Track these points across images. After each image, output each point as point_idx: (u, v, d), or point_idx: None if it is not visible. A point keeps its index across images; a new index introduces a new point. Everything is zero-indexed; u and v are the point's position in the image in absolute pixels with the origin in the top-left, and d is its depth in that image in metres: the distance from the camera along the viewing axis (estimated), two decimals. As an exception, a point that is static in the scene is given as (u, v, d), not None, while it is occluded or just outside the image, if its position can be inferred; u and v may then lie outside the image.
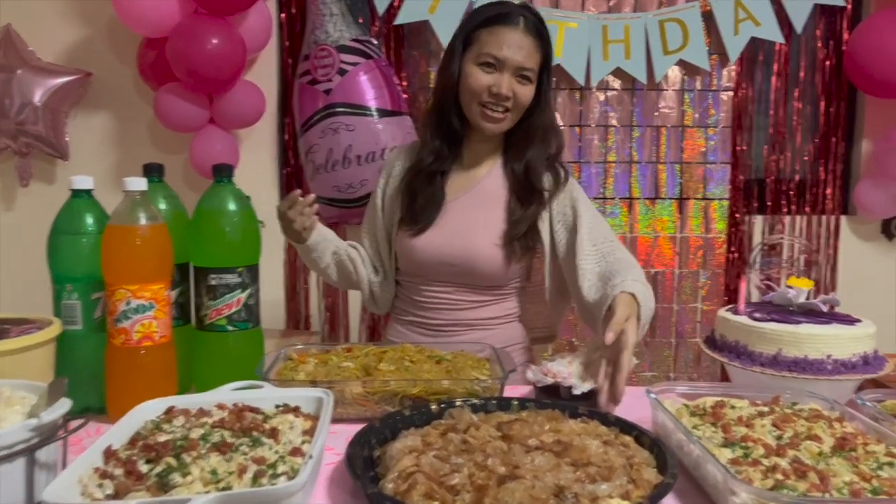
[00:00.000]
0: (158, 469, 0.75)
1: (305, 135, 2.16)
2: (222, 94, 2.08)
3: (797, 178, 2.43)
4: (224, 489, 0.71)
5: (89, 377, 1.08)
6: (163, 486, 0.73)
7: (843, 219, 2.44)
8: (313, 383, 1.05)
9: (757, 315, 1.16)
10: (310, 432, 0.85)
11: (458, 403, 0.99)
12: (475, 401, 1.00)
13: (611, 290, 1.17)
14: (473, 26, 1.40)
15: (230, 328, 1.13)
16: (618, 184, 2.39)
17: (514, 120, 1.41)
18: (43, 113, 2.17)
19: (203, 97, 2.10)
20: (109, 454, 0.80)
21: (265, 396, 0.97)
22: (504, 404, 1.00)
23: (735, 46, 2.31)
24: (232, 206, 1.13)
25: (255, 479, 0.73)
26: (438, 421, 0.95)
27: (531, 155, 1.43)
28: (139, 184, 1.05)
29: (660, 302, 2.41)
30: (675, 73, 2.36)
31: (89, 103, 2.31)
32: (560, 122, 2.36)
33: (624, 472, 0.78)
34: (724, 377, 2.39)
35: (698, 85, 2.37)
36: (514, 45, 1.36)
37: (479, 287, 1.46)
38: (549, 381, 1.05)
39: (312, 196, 1.36)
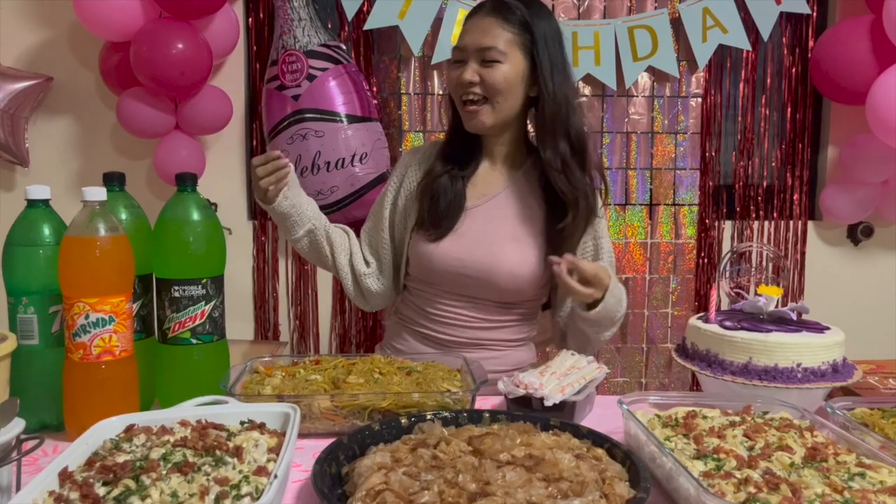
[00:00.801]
0: (116, 492, 0.72)
1: (274, 141, 2.13)
2: (188, 100, 2.04)
3: (765, 183, 2.46)
4: (186, 512, 0.69)
5: (46, 394, 1.04)
6: (119, 510, 0.70)
7: (811, 224, 2.47)
8: (280, 398, 1.02)
9: (728, 324, 1.16)
10: (275, 450, 0.83)
11: (428, 417, 0.98)
12: (446, 414, 0.99)
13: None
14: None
15: (194, 341, 1.10)
16: (589, 190, 2.38)
17: (497, 111, 1.32)
18: (2, 118, 2.11)
19: (168, 102, 2.06)
20: (65, 476, 0.77)
21: (230, 412, 0.94)
22: (475, 417, 0.99)
23: (703, 53, 2.33)
24: (196, 216, 1.10)
25: (218, 500, 0.71)
26: (409, 436, 0.93)
27: (564, 149, 1.33)
28: (98, 193, 1.02)
29: (631, 307, 2.42)
30: (644, 79, 2.37)
31: (49, 108, 2.25)
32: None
33: (596, 487, 0.77)
34: (696, 383, 2.41)
35: (668, 91, 2.38)
36: (474, 29, 1.32)
37: (496, 305, 1.40)
38: (521, 392, 1.04)
39: (285, 160, 1.33)
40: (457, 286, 1.39)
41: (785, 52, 2.42)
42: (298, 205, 1.39)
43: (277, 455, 0.82)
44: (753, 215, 2.45)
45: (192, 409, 0.96)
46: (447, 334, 1.42)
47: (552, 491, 0.76)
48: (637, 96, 2.38)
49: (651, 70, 2.35)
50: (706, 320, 1.22)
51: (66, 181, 2.28)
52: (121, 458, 0.80)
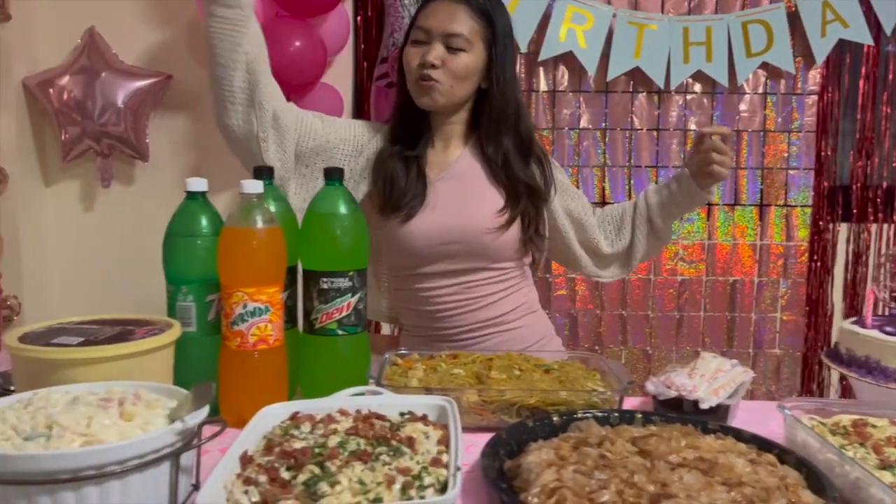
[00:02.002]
0: (304, 477, 0.73)
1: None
2: (302, 97, 2.08)
3: (885, 184, 2.35)
4: (375, 500, 0.70)
5: (202, 379, 1.05)
6: (310, 494, 0.71)
7: (933, 227, 2.36)
8: (427, 390, 1.03)
9: (889, 329, 1.11)
10: (442, 441, 0.83)
11: (579, 415, 0.97)
12: (597, 413, 0.98)
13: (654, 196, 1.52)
14: (416, 11, 1.39)
15: (340, 332, 1.12)
16: (696, 189, 2.33)
17: (452, 94, 1.36)
18: (125, 115, 2.20)
19: (282, 100, 2.11)
20: (246, 460, 0.79)
21: (386, 403, 0.95)
22: (628, 417, 0.97)
23: (822, 48, 2.24)
24: (344, 210, 1.12)
25: (404, 490, 0.72)
26: (567, 434, 0.92)
27: (506, 144, 1.40)
28: (255, 186, 1.04)
29: (738, 311, 2.35)
30: (757, 75, 2.30)
31: (168, 105, 2.33)
32: (638, 125, 2.32)
33: (781, 495, 0.74)
34: (807, 390, 2.33)
35: (782, 88, 2.30)
36: (441, 12, 1.33)
37: (486, 277, 1.42)
38: (673, 393, 1.02)
39: None
40: (443, 258, 1.40)
41: (909, 46, 2.31)
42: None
43: (445, 447, 0.82)
44: (871, 217, 2.35)
45: (348, 399, 0.97)
46: (452, 325, 1.43)
47: (735, 496, 0.74)
48: (749, 93, 2.31)
49: (765, 66, 2.27)
50: (863, 325, 1.17)
51: (182, 176, 2.36)
52: (297, 445, 0.82)
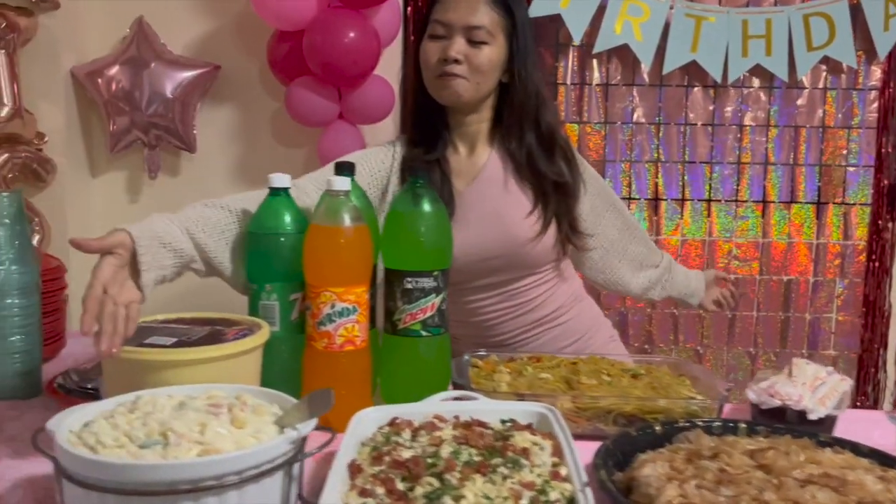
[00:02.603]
0: (423, 490, 0.71)
1: (395, 138, 2.12)
2: (354, 89, 2.05)
3: (947, 183, 2.29)
4: (504, 517, 0.67)
5: (283, 380, 1.05)
6: (433, 509, 0.69)
7: None
8: (519, 396, 1.00)
9: None
10: (556, 453, 0.80)
11: (681, 424, 0.93)
12: (699, 422, 0.94)
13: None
14: (430, 3, 1.33)
15: (424, 333, 1.09)
16: (752, 186, 2.28)
17: (474, 88, 1.28)
18: (173, 105, 2.18)
19: (333, 91, 2.08)
20: (355, 469, 0.77)
21: (484, 409, 0.92)
22: (731, 427, 0.94)
23: (884, 43, 2.18)
24: (428, 208, 1.09)
25: (531, 505, 0.69)
26: (674, 445, 0.89)
27: (529, 140, 1.33)
28: (343, 183, 1.02)
29: (792, 311, 2.30)
30: (817, 70, 2.24)
31: (214, 96, 2.31)
32: (692, 119, 2.27)
33: (923, 516, 0.71)
34: (862, 393, 2.28)
35: (842, 83, 2.24)
36: (460, 5, 1.26)
37: (527, 278, 1.36)
38: (777, 403, 0.98)
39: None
40: (482, 274, 1.34)
41: (975, 41, 2.24)
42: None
43: (559, 458, 0.79)
44: (932, 217, 2.29)
45: (441, 405, 0.95)
46: (502, 332, 1.38)
47: (874, 517, 0.71)
48: (809, 88, 2.25)
49: (826, 60, 2.21)
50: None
51: (229, 167, 2.34)
52: (405, 454, 0.79)
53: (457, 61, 1.26)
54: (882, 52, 2.19)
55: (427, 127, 1.37)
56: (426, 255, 1.08)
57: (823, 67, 2.24)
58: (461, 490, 0.69)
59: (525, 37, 1.31)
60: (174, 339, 0.90)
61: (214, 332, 0.94)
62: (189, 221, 1.08)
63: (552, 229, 1.34)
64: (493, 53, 1.28)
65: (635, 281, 1.53)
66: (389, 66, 2.24)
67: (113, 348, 0.85)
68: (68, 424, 0.73)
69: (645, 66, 2.22)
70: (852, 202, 2.27)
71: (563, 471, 0.76)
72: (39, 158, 2.07)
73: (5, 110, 1.99)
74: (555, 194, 1.34)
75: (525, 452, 0.78)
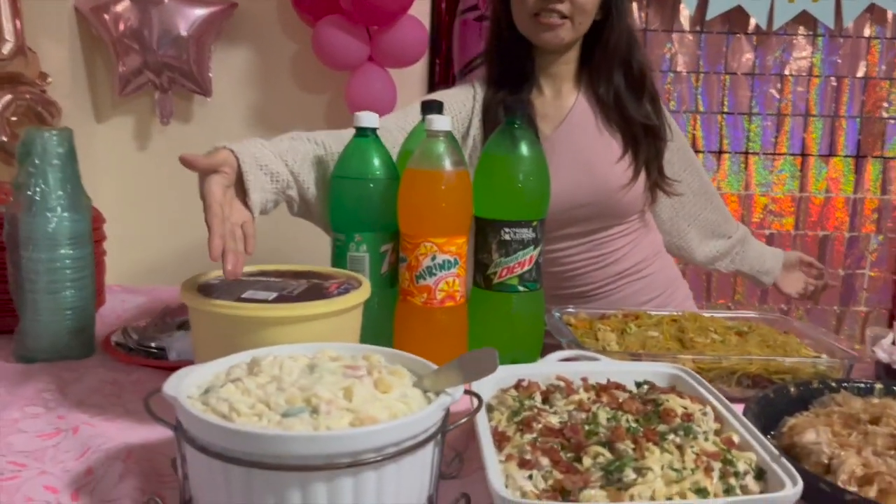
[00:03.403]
0: (596, 462, 0.63)
1: (468, 77, 2.01)
2: (388, 28, 1.92)
3: None
4: (698, 491, 0.60)
5: (374, 337, 0.96)
6: (613, 482, 0.61)
7: None
8: (634, 356, 0.93)
9: None
10: (717, 419, 0.73)
11: (816, 385, 0.87)
12: (832, 383, 0.88)
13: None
14: None
15: (521, 288, 1.00)
16: (792, 138, 2.22)
17: (576, 30, 1.21)
18: (188, 45, 2.03)
19: (363, 31, 1.95)
20: (500, 437, 0.69)
21: (609, 370, 0.85)
22: (866, 388, 0.88)
23: (933, -10, 2.11)
24: (528, 152, 0.99)
25: (723, 478, 0.61)
26: (821, 408, 0.83)
27: (617, 81, 1.26)
28: (444, 123, 0.92)
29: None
30: (863, 18, 2.16)
31: (229, 37, 2.17)
32: (734, 68, 2.18)
33: None
34: None
35: (887, 33, 2.17)
36: None
37: (615, 227, 1.30)
38: (911, 362, 0.92)
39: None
40: (569, 223, 1.27)
41: None
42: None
43: (719, 423, 0.72)
44: (971, 172, 2.25)
45: (560, 365, 0.87)
46: (584, 283, 1.32)
47: None
48: (853, 37, 2.18)
49: (871, 8, 2.14)
50: None
51: (245, 113, 2.21)
52: (553, 419, 0.71)
53: (560, 0, 1.16)
54: (930, -1, 2.12)
55: (512, 67, 1.27)
56: (525, 203, 0.99)
57: (869, 16, 2.16)
58: (644, 461, 0.62)
59: None
60: (274, 294, 0.80)
61: (314, 286, 0.84)
62: (281, 149, 1.00)
63: (642, 175, 1.27)
64: None
65: (702, 249, 1.47)
66: (421, 5, 2.12)
67: (237, 268, 0.79)
68: (184, 390, 0.64)
69: (688, 11, 2.12)
70: (892, 156, 2.22)
71: (735, 437, 0.69)
72: (44, 100, 1.93)
73: (7, 47, 1.83)
74: (645, 138, 1.26)
75: (689, 418, 0.70)
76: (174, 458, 0.68)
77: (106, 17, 2.00)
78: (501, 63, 1.28)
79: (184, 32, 2.02)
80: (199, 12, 2.05)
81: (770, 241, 2.24)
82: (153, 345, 1.02)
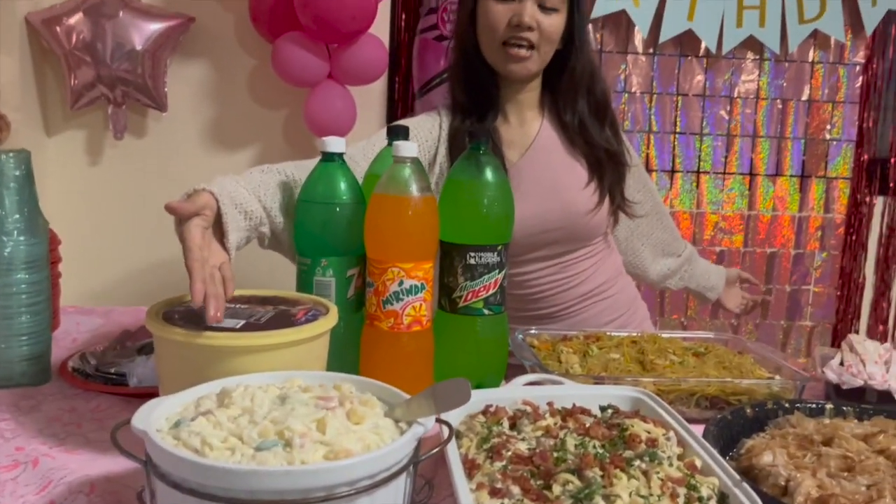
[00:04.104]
0: (566, 490, 0.64)
1: (426, 96, 2.03)
2: (349, 46, 1.93)
3: (921, 159, 2.36)
4: (664, 518, 0.61)
5: (340, 361, 0.96)
6: (583, 510, 0.62)
7: (965, 204, 2.38)
8: (597, 379, 0.95)
9: None
10: (680, 443, 0.75)
11: (770, 406, 0.90)
12: (785, 404, 0.91)
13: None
14: None
15: (486, 311, 1.02)
16: (741, 158, 2.29)
17: (542, 59, 1.24)
18: (143, 59, 2.00)
19: (323, 49, 1.95)
20: (470, 465, 0.70)
21: (573, 395, 0.86)
22: (817, 408, 0.91)
23: (872, 18, 2.21)
24: (492, 178, 1.01)
25: (688, 503, 0.63)
26: (776, 430, 0.86)
27: (581, 108, 1.29)
28: (411, 149, 0.93)
29: (774, 283, 2.34)
30: (807, 43, 2.25)
31: (186, 51, 2.13)
32: (685, 90, 2.25)
33: None
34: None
35: (830, 58, 2.26)
36: None
37: (580, 249, 1.33)
38: (859, 382, 0.96)
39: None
40: (537, 246, 1.29)
41: (953, 20, 2.30)
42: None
43: (681, 448, 0.74)
44: (907, 192, 2.36)
45: (527, 389, 0.88)
46: (550, 305, 1.33)
47: None
48: (798, 61, 2.26)
49: (815, 34, 2.23)
50: None
51: (200, 129, 2.18)
52: (521, 446, 0.73)
53: (530, 28, 1.19)
54: (869, 27, 2.22)
55: (478, 94, 1.28)
56: (490, 228, 1.01)
57: (813, 41, 2.25)
58: (613, 489, 0.63)
59: (585, 5, 1.27)
60: (241, 322, 0.80)
61: (281, 312, 0.84)
62: (253, 185, 1.00)
63: (607, 199, 1.30)
64: (561, 21, 1.22)
65: (655, 267, 1.51)
66: (381, 24, 2.13)
67: (219, 312, 0.78)
68: (153, 423, 0.63)
69: (641, 34, 2.17)
70: (834, 176, 2.31)
71: (697, 462, 0.71)
72: (-7, 114, 1.87)
73: (-46, 59, 1.78)
74: (609, 163, 1.30)
75: (654, 443, 0.72)
76: (140, 490, 0.67)
77: (58, 29, 1.96)
78: (468, 91, 1.29)
79: (139, 46, 1.99)
80: (155, 26, 2.02)
81: (721, 257, 2.31)
82: (112, 370, 1.00)
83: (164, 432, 0.63)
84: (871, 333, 2.39)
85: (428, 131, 1.27)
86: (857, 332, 2.38)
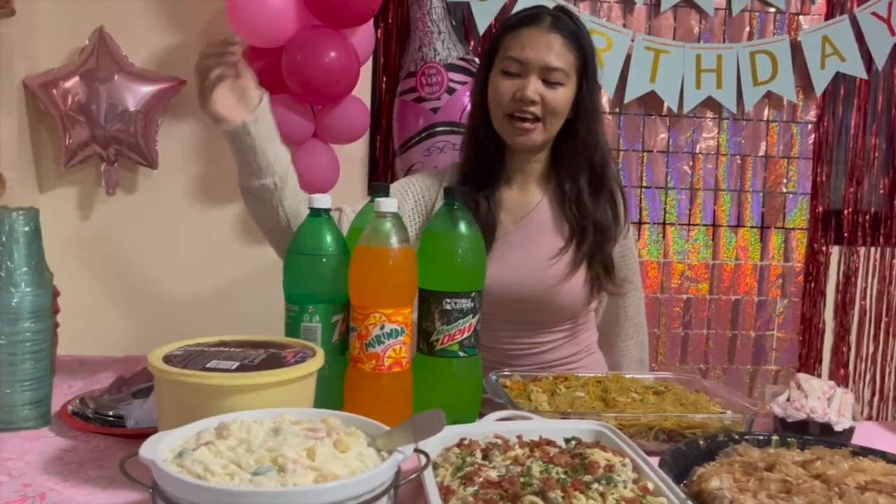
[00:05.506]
0: (535, 510, 0.72)
1: (406, 154, 2.14)
2: (333, 108, 2.04)
3: (873, 210, 2.50)
4: (617, 532, 0.69)
5: (326, 400, 1.03)
6: (545, 527, 0.70)
7: (916, 252, 2.51)
8: (563, 414, 1.03)
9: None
10: (634, 468, 0.83)
11: (722, 438, 0.99)
12: (734, 435, 1.00)
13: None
14: (499, 34, 1.34)
15: (461, 354, 1.10)
16: (704, 210, 2.41)
17: (548, 131, 1.30)
18: (136, 119, 2.10)
19: (308, 110, 2.06)
20: (446, 491, 0.77)
21: (541, 428, 0.94)
22: (763, 440, 1.00)
23: (821, 80, 2.36)
24: (466, 231, 1.10)
25: (639, 521, 0.71)
26: (725, 458, 0.94)
27: (581, 178, 1.35)
28: (391, 205, 1.02)
29: (739, 329, 2.45)
30: (762, 103, 2.40)
31: (177, 111, 2.24)
32: (650, 146, 2.38)
33: (975, 515, 0.78)
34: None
35: (783, 117, 2.41)
36: (538, 43, 1.27)
37: (553, 323, 1.39)
38: (802, 416, 1.05)
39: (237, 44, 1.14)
40: (509, 312, 1.35)
41: (895, 82, 2.47)
42: (261, 147, 1.20)
43: (637, 473, 0.82)
44: (861, 241, 2.49)
45: (499, 424, 0.96)
46: (517, 364, 1.37)
47: (935, 518, 0.77)
48: (754, 120, 2.41)
49: (769, 95, 2.38)
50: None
51: (189, 184, 2.27)
52: (492, 473, 0.80)
53: (533, 102, 1.27)
54: (819, 88, 2.37)
55: (483, 158, 1.36)
56: (465, 276, 1.10)
57: (767, 101, 2.40)
58: (572, 508, 0.71)
59: (593, 73, 1.33)
60: (236, 364, 0.88)
61: (272, 355, 0.92)
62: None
63: (583, 271, 1.35)
64: (567, 94, 1.30)
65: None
66: (363, 86, 2.25)
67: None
68: (159, 454, 0.70)
69: (608, 95, 2.31)
70: (792, 227, 2.44)
71: (649, 485, 0.79)
72: (-10, 172, 1.95)
73: (-46, 121, 1.87)
74: (594, 234, 1.34)
75: (611, 469, 0.80)
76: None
77: (54, 92, 2.05)
78: (475, 157, 1.37)
79: (132, 108, 2.08)
80: (148, 89, 2.12)
81: (688, 304, 2.41)
82: (111, 413, 1.07)
83: (169, 461, 0.70)
84: (833, 377, 2.49)
85: (428, 187, 1.37)
86: (819, 375, 2.48)
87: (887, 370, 2.52)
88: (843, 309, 2.49)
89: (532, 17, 1.32)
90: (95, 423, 1.06)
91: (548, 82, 1.29)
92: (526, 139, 1.31)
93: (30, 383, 1.06)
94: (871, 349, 2.51)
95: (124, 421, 1.04)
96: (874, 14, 2.37)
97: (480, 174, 1.37)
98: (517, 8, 2.20)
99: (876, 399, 2.51)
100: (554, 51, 1.28)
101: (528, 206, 1.38)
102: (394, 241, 1.01)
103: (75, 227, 2.24)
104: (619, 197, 1.41)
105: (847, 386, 2.48)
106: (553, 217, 1.37)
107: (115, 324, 2.23)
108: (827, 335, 2.51)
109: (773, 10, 2.39)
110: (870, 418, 2.51)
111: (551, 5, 1.54)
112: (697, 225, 2.42)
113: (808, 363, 2.47)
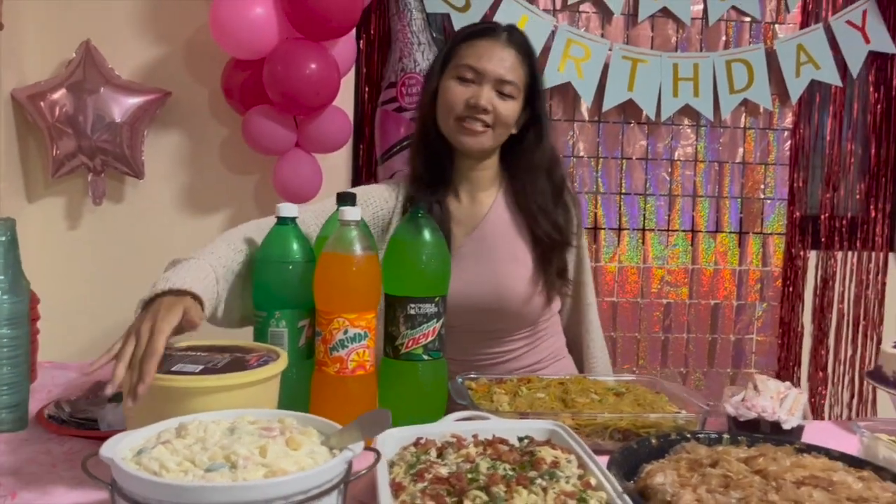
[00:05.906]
0: (476, 503, 0.76)
1: (387, 162, 2.18)
2: (314, 119, 2.08)
3: (849, 215, 2.54)
4: (554, 524, 0.73)
5: (292, 404, 1.07)
6: (487, 520, 0.74)
7: (892, 255, 2.55)
8: (522, 414, 1.07)
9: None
10: (579, 465, 0.87)
11: (674, 437, 1.02)
12: (686, 434, 1.03)
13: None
14: (454, 43, 1.38)
15: (426, 357, 1.14)
16: (683, 216, 2.45)
17: (496, 139, 1.35)
18: (122, 131, 2.14)
19: (290, 120, 2.10)
20: (397, 487, 0.81)
21: (497, 428, 0.98)
22: (715, 438, 1.03)
23: (796, 88, 2.41)
24: (430, 237, 1.14)
25: (577, 513, 0.75)
26: (673, 455, 0.97)
27: (538, 194, 1.39)
28: (354, 213, 1.06)
29: (719, 333, 2.48)
30: (739, 111, 2.45)
31: (162, 122, 2.28)
32: (629, 154, 2.43)
33: (903, 508, 0.82)
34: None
35: (760, 123, 2.46)
36: (494, 56, 1.32)
37: (511, 331, 1.41)
38: (753, 415, 1.09)
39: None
40: (474, 322, 1.38)
41: (871, 89, 2.51)
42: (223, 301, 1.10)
43: (583, 469, 0.86)
44: (837, 246, 2.53)
45: (458, 424, 1.00)
46: (483, 374, 1.35)
47: (864, 511, 0.81)
48: (731, 127, 2.45)
49: (745, 102, 2.42)
50: (905, 349, 1.27)
51: (175, 194, 2.31)
52: (443, 471, 0.83)
53: (486, 110, 1.31)
54: (794, 95, 2.42)
55: (433, 164, 1.40)
56: (429, 281, 1.13)
57: (743, 109, 2.45)
58: (513, 501, 0.75)
59: (542, 90, 1.39)
60: (200, 367, 0.91)
61: (236, 359, 0.95)
62: (219, 267, 1.08)
63: (537, 276, 1.38)
64: (516, 108, 1.35)
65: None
66: (342, 98, 2.29)
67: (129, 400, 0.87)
68: (119, 452, 0.74)
69: (586, 103, 2.36)
70: (769, 232, 2.48)
71: (592, 480, 0.82)
72: (-23, 183, 1.99)
73: (-58, 132, 1.90)
74: (552, 251, 1.39)
75: (556, 465, 0.84)
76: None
77: (42, 104, 2.09)
78: (425, 164, 1.41)
79: (118, 119, 2.12)
80: (134, 100, 2.16)
81: (668, 309, 2.44)
82: (85, 416, 1.10)
83: (128, 459, 0.73)
84: (812, 379, 2.53)
85: (385, 199, 1.40)
86: (798, 378, 2.51)
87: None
88: (821, 312, 2.53)
89: (488, 30, 1.37)
90: (70, 427, 1.09)
91: (501, 94, 1.33)
92: (475, 141, 1.34)
93: (7, 388, 1.10)
94: (850, 352, 2.55)
95: (98, 424, 1.08)
96: (849, 22, 2.42)
97: (432, 181, 1.40)
98: (496, 18, 2.25)
99: (855, 401, 2.55)
100: (508, 64, 1.33)
101: (477, 217, 1.41)
102: (357, 248, 1.04)
103: (63, 237, 2.28)
104: (570, 201, 1.45)
105: (826, 389, 2.52)
106: (504, 226, 1.41)
107: (98, 332, 2.26)
108: (805, 338, 2.54)
109: (748, 19, 2.43)
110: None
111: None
112: (676, 231, 2.46)
113: (787, 366, 2.51)
